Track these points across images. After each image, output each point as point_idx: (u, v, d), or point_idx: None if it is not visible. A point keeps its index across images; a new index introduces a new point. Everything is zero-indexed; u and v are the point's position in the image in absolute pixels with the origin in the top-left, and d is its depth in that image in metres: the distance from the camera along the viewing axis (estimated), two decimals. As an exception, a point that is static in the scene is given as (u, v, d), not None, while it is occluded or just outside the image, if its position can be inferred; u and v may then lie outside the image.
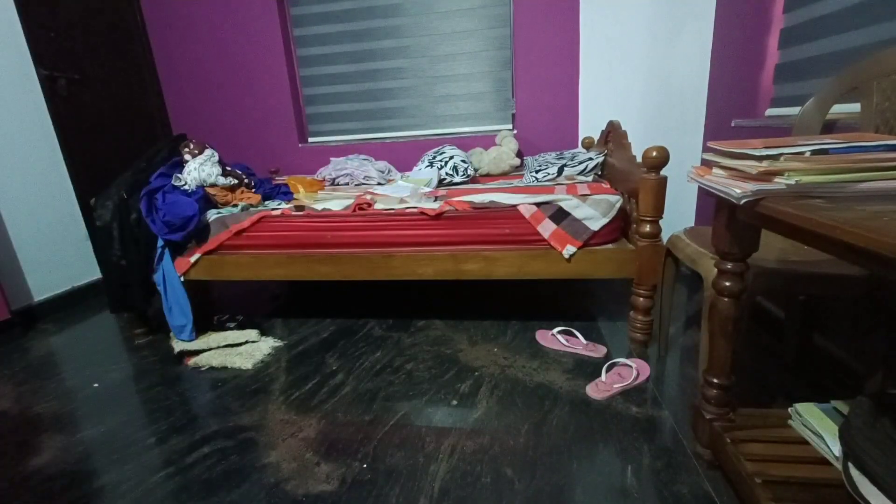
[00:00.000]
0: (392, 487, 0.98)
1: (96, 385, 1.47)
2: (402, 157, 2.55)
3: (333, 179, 2.17)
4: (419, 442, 1.12)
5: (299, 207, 1.66)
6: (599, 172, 1.93)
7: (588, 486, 0.96)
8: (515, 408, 1.23)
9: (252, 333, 1.68)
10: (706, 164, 0.82)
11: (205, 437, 1.19)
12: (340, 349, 1.61)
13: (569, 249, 1.45)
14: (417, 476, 1.01)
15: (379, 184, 2.08)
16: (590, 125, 2.35)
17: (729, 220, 0.81)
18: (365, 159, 2.32)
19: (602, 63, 2.25)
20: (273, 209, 1.68)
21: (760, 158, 0.67)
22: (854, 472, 0.70)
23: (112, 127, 2.41)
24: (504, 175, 2.23)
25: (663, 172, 1.32)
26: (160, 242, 1.62)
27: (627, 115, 2.23)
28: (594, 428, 1.13)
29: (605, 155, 1.91)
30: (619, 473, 0.99)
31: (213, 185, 1.74)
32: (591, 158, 1.89)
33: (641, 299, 1.45)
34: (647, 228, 1.37)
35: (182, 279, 1.66)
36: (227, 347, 1.62)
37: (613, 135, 1.85)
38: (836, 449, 0.79)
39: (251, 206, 1.74)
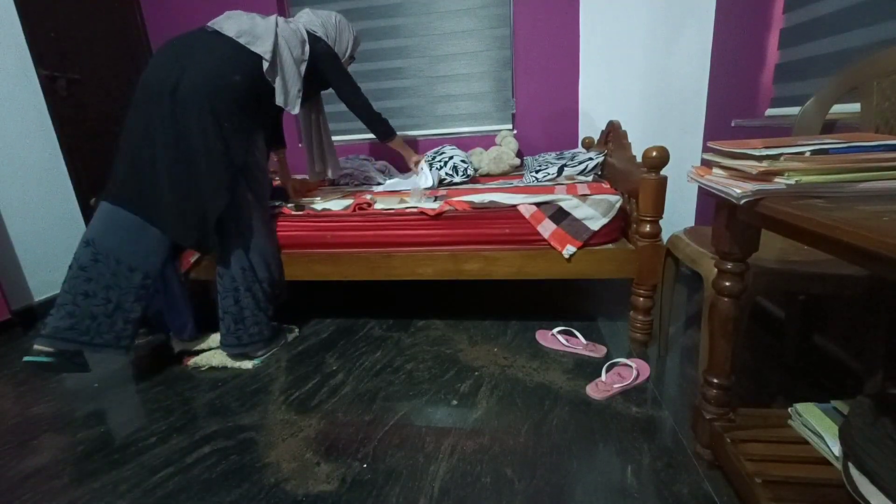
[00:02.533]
0: (392, 487, 0.98)
1: (96, 385, 1.47)
2: (403, 157, 2.55)
3: (333, 179, 2.17)
4: (419, 442, 1.12)
5: (299, 207, 1.66)
6: (599, 172, 1.93)
7: (588, 486, 0.96)
8: (515, 408, 1.23)
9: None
10: (706, 164, 0.82)
11: (205, 437, 1.19)
12: (340, 349, 1.61)
13: (569, 249, 1.45)
14: (417, 476, 1.01)
15: (378, 183, 2.08)
16: (590, 125, 2.35)
17: (729, 220, 0.81)
18: (365, 159, 2.32)
19: (602, 63, 2.25)
20: (273, 209, 1.67)
21: (760, 158, 0.67)
22: (854, 472, 0.70)
23: (112, 127, 2.41)
24: (504, 175, 2.23)
25: (663, 172, 1.33)
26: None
27: (627, 115, 2.23)
28: (594, 428, 1.13)
29: (605, 155, 1.91)
30: (619, 473, 0.99)
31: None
32: (591, 158, 1.89)
33: (641, 299, 1.45)
34: (647, 228, 1.37)
35: (182, 279, 1.66)
36: (227, 347, 1.62)
37: (613, 135, 1.85)
38: (836, 449, 0.79)
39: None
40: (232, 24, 1.45)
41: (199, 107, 1.34)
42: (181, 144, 1.35)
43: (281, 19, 1.53)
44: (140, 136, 1.38)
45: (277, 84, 1.49)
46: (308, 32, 1.57)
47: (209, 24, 1.48)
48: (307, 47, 1.55)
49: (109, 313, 1.37)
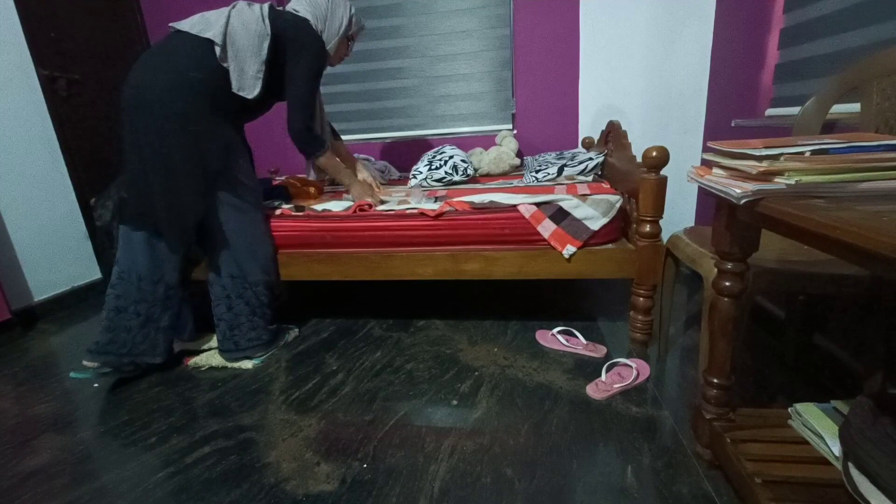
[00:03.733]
0: (392, 487, 0.98)
1: (96, 385, 1.47)
2: (402, 157, 2.55)
3: (333, 179, 2.17)
4: (419, 442, 1.12)
5: (299, 207, 1.66)
6: (599, 172, 1.93)
7: (588, 486, 0.96)
8: (515, 408, 1.23)
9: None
10: (706, 164, 0.82)
11: (205, 437, 1.19)
12: (340, 349, 1.61)
13: (569, 249, 1.45)
14: (417, 476, 1.01)
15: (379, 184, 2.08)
16: (590, 125, 2.35)
17: (729, 220, 0.81)
18: (365, 159, 2.32)
19: (602, 63, 2.25)
20: (273, 209, 1.68)
21: (760, 158, 0.67)
22: (854, 472, 0.70)
23: (112, 127, 2.41)
24: (504, 175, 2.23)
25: (663, 172, 1.33)
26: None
27: (627, 115, 2.24)
28: (594, 428, 1.13)
29: (605, 155, 1.91)
30: (619, 473, 0.99)
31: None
32: (591, 158, 1.89)
33: (641, 299, 1.45)
34: (647, 228, 1.37)
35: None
36: (227, 347, 1.62)
37: (613, 135, 1.85)
38: (836, 449, 0.79)
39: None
40: (192, 18, 1.39)
41: (166, 113, 1.31)
42: (159, 153, 1.33)
43: (243, 3, 1.43)
44: (129, 152, 1.37)
45: (231, 67, 1.37)
46: (273, 7, 1.45)
47: (172, 23, 1.41)
48: (268, 22, 1.40)
49: (142, 325, 1.43)
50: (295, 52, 1.45)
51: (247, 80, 1.40)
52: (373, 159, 2.36)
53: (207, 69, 1.36)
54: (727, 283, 0.86)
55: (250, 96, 1.41)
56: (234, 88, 1.39)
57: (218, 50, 1.35)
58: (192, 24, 1.38)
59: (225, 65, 1.37)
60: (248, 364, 1.52)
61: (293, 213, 1.65)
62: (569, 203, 1.47)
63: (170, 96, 1.32)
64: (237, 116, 1.50)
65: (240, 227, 1.48)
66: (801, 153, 0.66)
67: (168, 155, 1.33)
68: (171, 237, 1.39)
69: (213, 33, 1.35)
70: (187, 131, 1.33)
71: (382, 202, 1.69)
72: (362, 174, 1.86)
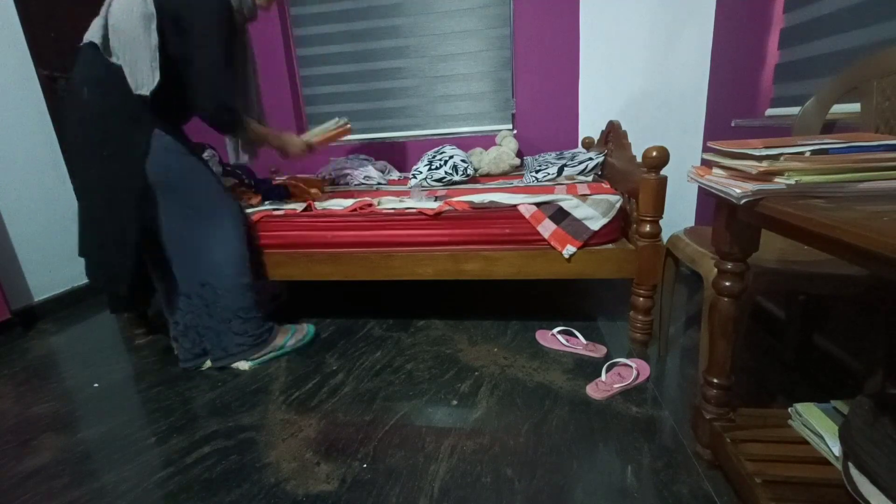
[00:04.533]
0: (392, 487, 0.98)
1: (96, 385, 1.47)
2: (402, 157, 2.55)
3: (333, 179, 2.17)
4: (419, 442, 1.12)
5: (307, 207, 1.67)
6: (599, 172, 1.93)
7: (588, 486, 0.96)
8: (515, 408, 1.23)
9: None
10: (706, 164, 0.82)
11: (205, 437, 1.19)
12: (340, 349, 1.61)
13: (569, 249, 1.45)
14: (417, 476, 1.01)
15: (380, 183, 2.08)
16: (590, 125, 2.35)
17: (729, 220, 0.81)
18: (365, 159, 2.32)
19: (602, 63, 2.25)
20: (274, 209, 1.67)
21: (760, 158, 0.67)
22: (854, 472, 0.70)
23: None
24: (504, 175, 2.23)
25: (663, 172, 1.33)
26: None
27: (627, 115, 2.23)
28: (594, 428, 1.13)
29: (605, 155, 1.91)
30: (619, 473, 0.99)
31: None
32: (591, 158, 1.89)
33: (641, 299, 1.45)
34: (647, 228, 1.37)
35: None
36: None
37: (613, 135, 1.85)
38: (836, 449, 0.79)
39: (251, 205, 1.74)
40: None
41: (77, 137, 1.28)
42: (82, 182, 1.34)
43: None
44: None
45: (123, 63, 1.20)
46: None
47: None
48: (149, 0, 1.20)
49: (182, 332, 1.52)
50: (189, 18, 1.23)
51: (142, 75, 1.21)
52: (372, 159, 2.36)
53: (99, 76, 1.21)
54: (727, 283, 0.86)
55: (148, 91, 1.22)
56: (133, 88, 1.22)
57: (101, 49, 1.20)
58: (86, 35, 1.26)
59: (117, 62, 1.21)
60: (245, 365, 1.52)
61: (296, 213, 1.64)
62: (569, 203, 1.47)
63: (75, 122, 1.27)
64: (163, 116, 1.31)
65: (197, 233, 1.40)
66: (801, 153, 0.66)
67: (87, 182, 1.32)
68: (90, 269, 1.41)
69: (93, 33, 1.22)
70: (99, 155, 1.25)
71: (311, 146, 1.75)
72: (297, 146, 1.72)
